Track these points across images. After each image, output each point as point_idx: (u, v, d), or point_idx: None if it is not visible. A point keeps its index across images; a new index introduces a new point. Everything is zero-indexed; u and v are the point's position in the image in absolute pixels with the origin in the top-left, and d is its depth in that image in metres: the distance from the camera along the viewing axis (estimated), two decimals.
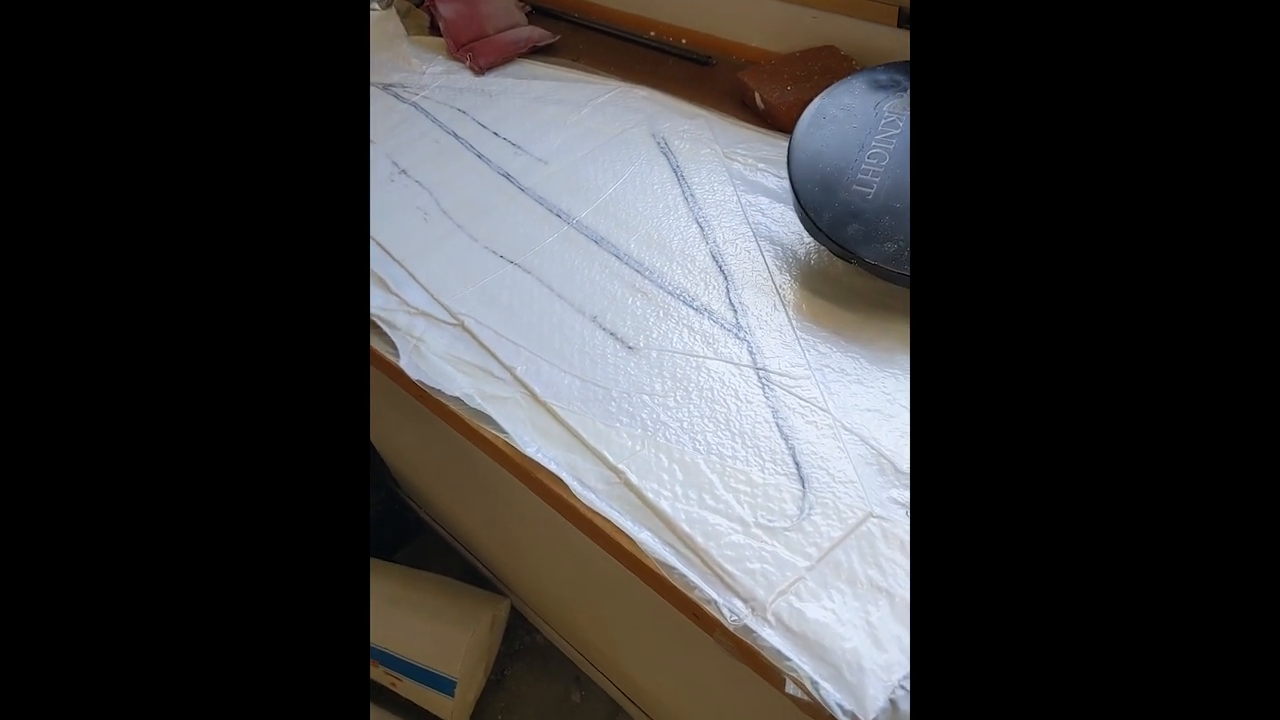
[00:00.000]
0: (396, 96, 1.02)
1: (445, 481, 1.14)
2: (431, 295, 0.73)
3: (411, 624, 1.16)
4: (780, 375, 0.62)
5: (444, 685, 1.13)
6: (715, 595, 0.49)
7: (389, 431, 1.14)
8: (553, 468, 0.57)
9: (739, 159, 0.85)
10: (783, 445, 0.57)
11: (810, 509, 0.53)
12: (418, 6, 1.16)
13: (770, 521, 0.53)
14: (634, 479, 0.56)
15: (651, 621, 0.75)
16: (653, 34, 1.09)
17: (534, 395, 0.63)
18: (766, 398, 0.61)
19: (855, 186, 0.69)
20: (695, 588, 0.49)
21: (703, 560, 0.51)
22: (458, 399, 0.63)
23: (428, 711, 1.18)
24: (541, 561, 0.98)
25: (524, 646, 1.28)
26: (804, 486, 0.55)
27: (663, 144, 0.89)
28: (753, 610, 0.48)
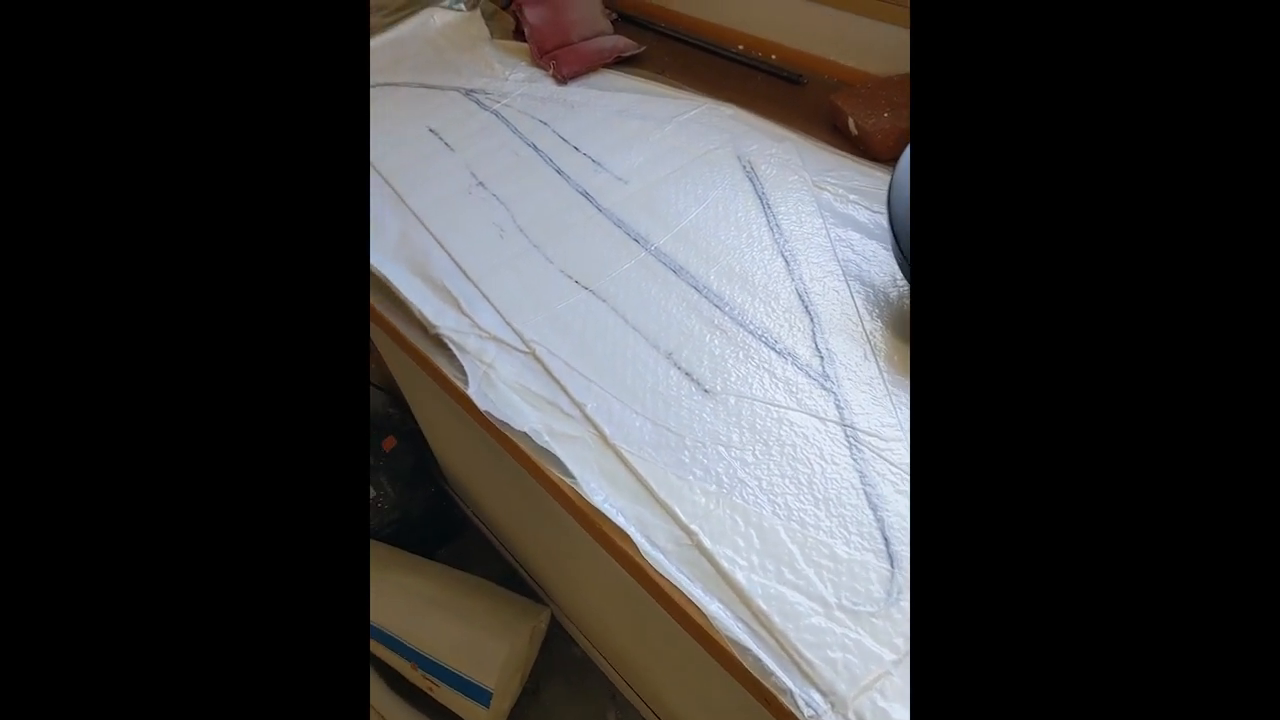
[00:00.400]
0: (479, 103, 1.00)
1: (496, 489, 1.13)
2: (503, 318, 0.71)
3: (451, 629, 1.16)
4: (870, 435, 0.58)
5: (480, 695, 1.13)
6: (791, 685, 0.45)
7: (444, 433, 1.14)
8: (620, 521, 0.54)
9: (829, 188, 0.80)
10: (870, 516, 0.53)
11: (899, 593, 0.49)
12: (504, 9, 1.15)
13: (855, 604, 0.48)
14: (707, 542, 0.52)
15: (705, 673, 0.72)
16: (741, 48, 1.04)
17: (604, 437, 0.60)
18: (854, 459, 0.56)
19: None
20: (770, 674, 0.46)
21: (779, 643, 0.47)
22: (525, 435, 0.61)
23: (462, 719, 1.18)
24: (589, 581, 0.96)
25: (561, 659, 1.26)
26: (893, 566, 0.50)
27: (748, 168, 0.84)
28: (833, 706, 0.44)
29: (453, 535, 1.46)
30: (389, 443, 1.31)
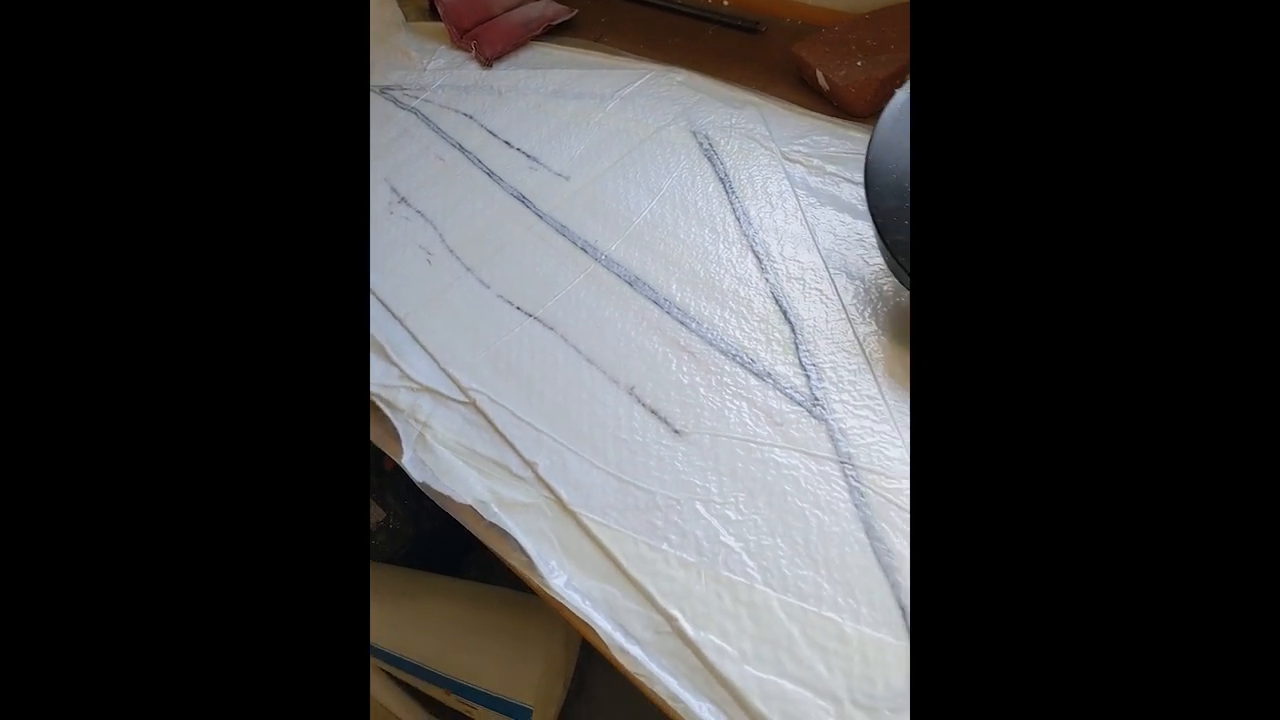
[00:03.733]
0: (395, 102, 0.88)
1: None
2: (437, 363, 0.61)
3: (480, 649, 1.12)
4: (873, 473, 0.48)
5: (520, 714, 1.09)
6: None
7: None
8: (587, 610, 0.46)
9: (801, 160, 0.69)
10: (882, 580, 0.44)
11: None
12: None
13: (870, 700, 0.40)
14: (689, 629, 0.44)
15: None
16: None
17: (561, 502, 0.51)
18: (855, 505, 0.47)
19: None
20: None
21: None
22: (470, 508, 0.52)
23: None
24: None
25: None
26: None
27: (706, 144, 0.73)
28: None
29: (472, 545, 1.40)
30: (389, 461, 1.25)
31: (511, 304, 0.64)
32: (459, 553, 1.36)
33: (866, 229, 0.62)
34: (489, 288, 0.66)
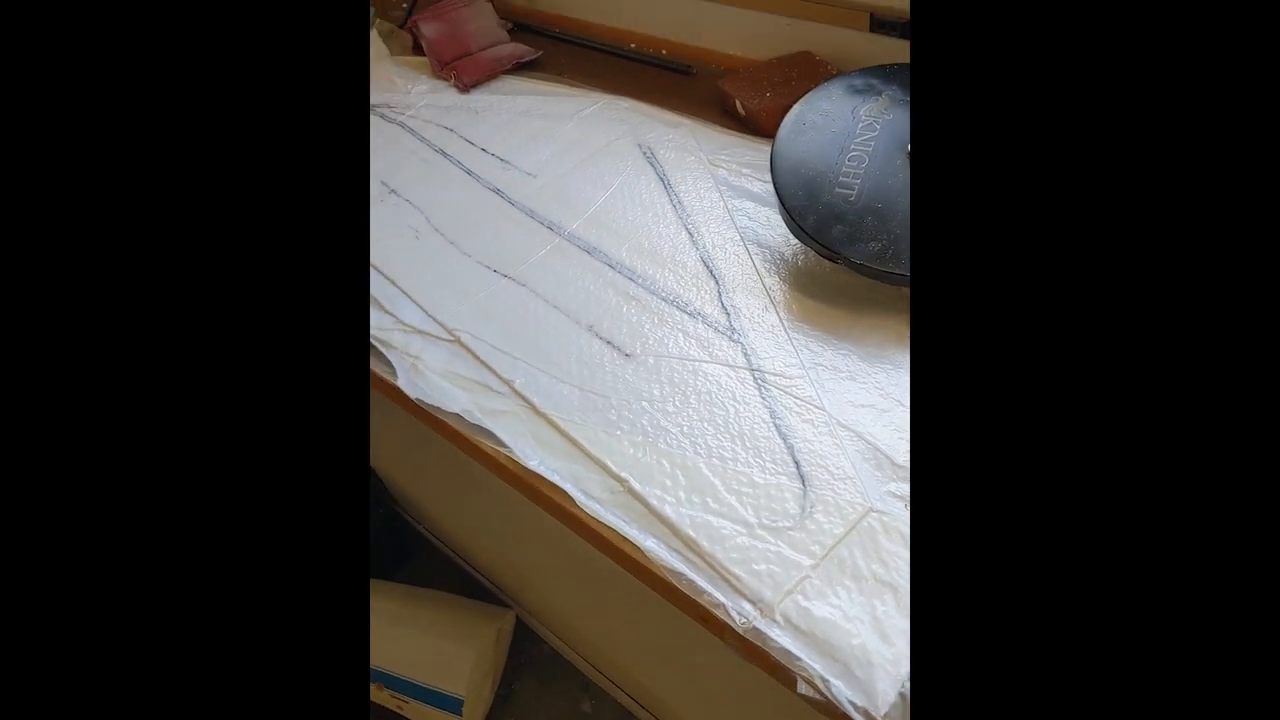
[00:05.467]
0: (383, 117, 1.02)
1: (446, 498, 1.14)
2: (426, 313, 0.73)
3: (414, 643, 1.15)
4: (775, 376, 0.63)
5: (451, 705, 1.13)
6: (723, 599, 0.49)
7: (388, 449, 1.14)
8: (556, 480, 0.58)
9: (723, 165, 0.86)
10: (781, 445, 0.58)
11: (812, 508, 0.54)
12: (400, 28, 1.17)
13: (774, 522, 0.53)
14: (637, 486, 0.56)
15: (660, 628, 0.76)
16: (633, 46, 1.10)
17: (534, 407, 0.64)
18: (763, 399, 0.62)
19: (837, 189, 0.70)
20: (703, 593, 0.50)
21: (709, 565, 0.51)
22: (458, 415, 0.64)
23: None
24: (547, 573, 0.98)
25: (531, 658, 1.27)
26: (804, 485, 0.55)
27: (648, 153, 0.90)
28: (761, 612, 0.49)
29: (406, 558, 1.45)
30: None
31: (489, 268, 0.78)
32: (391, 566, 1.40)
33: (772, 213, 0.79)
34: (469, 256, 0.79)
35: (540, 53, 1.10)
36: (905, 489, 0.54)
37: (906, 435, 0.57)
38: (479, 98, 1.03)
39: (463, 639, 1.15)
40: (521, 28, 1.19)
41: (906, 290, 0.68)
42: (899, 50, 0.86)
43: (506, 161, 0.91)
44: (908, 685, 0.44)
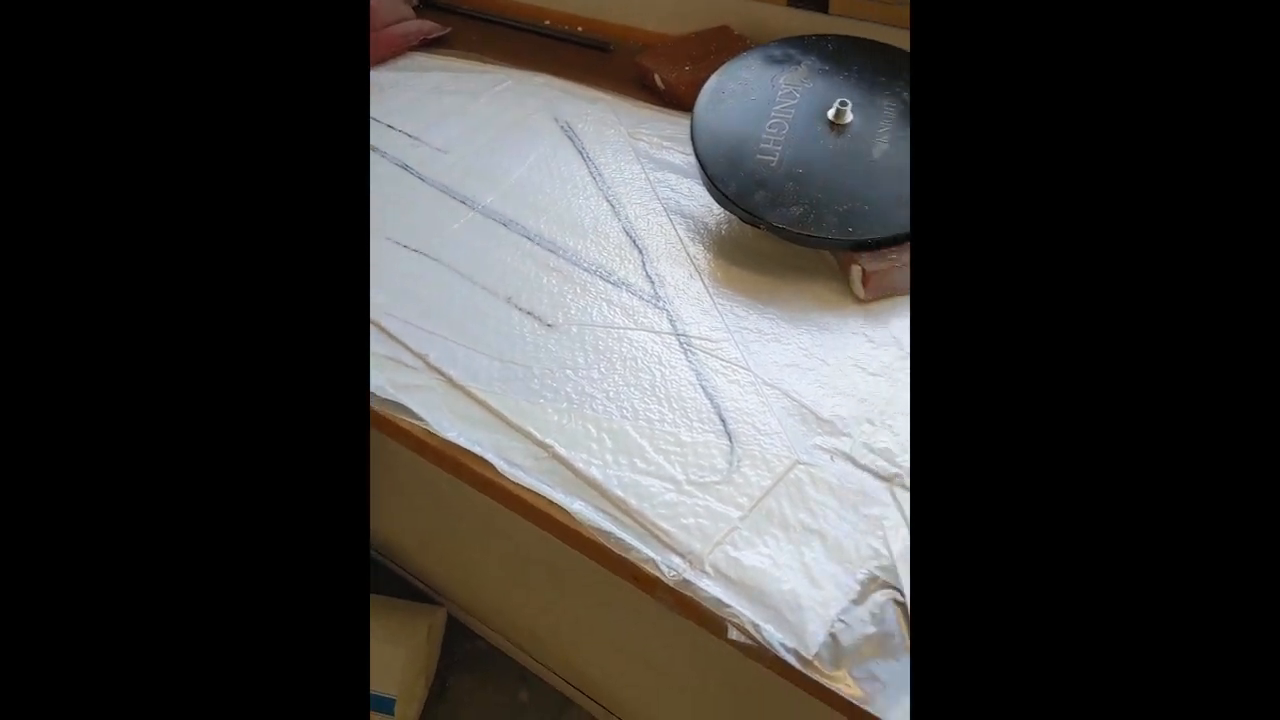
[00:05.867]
0: None
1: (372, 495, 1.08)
2: None
3: None
4: (701, 340, 0.63)
5: (383, 705, 1.08)
6: (653, 554, 0.48)
7: None
8: (477, 450, 0.55)
9: (644, 138, 0.86)
10: (708, 405, 0.58)
11: (739, 462, 0.54)
12: None
13: (701, 477, 0.53)
14: (562, 451, 0.55)
15: (592, 599, 0.74)
16: (548, 23, 1.08)
17: (450, 380, 0.61)
18: (689, 362, 0.61)
19: (758, 156, 0.71)
20: (632, 549, 0.49)
21: (638, 522, 0.50)
22: (370, 394, 0.60)
23: None
24: (475, 560, 0.95)
25: (465, 654, 1.23)
26: (731, 442, 0.55)
27: (566, 128, 0.88)
28: (690, 564, 0.48)
29: None
30: None
31: (401, 244, 0.74)
32: None
33: (694, 184, 0.79)
34: (377, 232, 0.75)
35: (449, 29, 1.06)
36: (831, 442, 0.55)
37: (831, 391, 0.58)
38: (384, 74, 0.99)
39: (392, 638, 1.10)
40: (429, 4, 1.15)
41: (828, 254, 0.69)
42: (817, 23, 0.88)
43: (415, 138, 0.87)
44: (837, 625, 0.44)
